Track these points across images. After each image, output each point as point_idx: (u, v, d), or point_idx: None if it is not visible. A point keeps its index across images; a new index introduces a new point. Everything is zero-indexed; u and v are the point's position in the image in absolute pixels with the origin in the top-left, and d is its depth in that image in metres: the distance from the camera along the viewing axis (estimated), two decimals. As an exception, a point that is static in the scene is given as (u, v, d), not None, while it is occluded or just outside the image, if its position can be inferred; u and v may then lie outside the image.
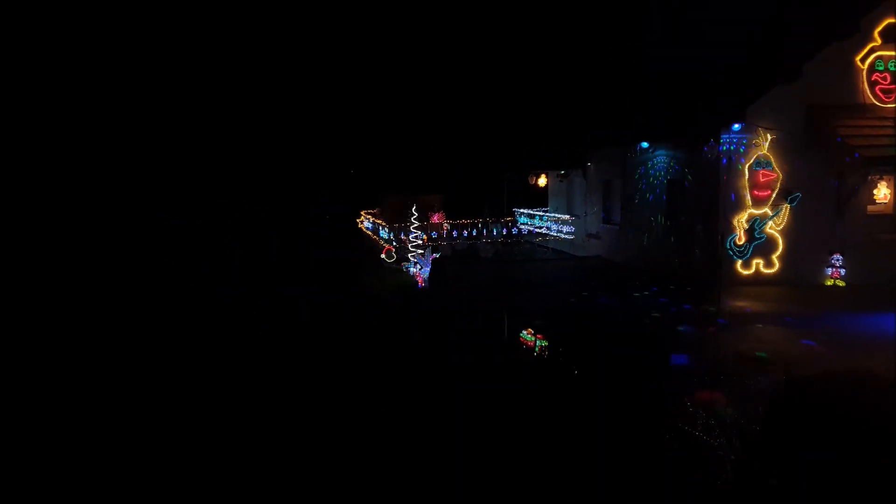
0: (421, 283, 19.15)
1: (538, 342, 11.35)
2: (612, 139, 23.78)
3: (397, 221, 26.20)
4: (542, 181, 31.66)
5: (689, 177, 19.86)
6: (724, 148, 18.07)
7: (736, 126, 17.78)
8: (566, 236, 26.28)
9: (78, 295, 14.83)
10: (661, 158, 21.28)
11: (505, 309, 13.70)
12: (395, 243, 24.90)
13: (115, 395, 9.69)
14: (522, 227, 27.96)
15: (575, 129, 26.81)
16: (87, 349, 12.01)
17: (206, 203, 35.59)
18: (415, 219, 21.79)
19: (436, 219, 28.84)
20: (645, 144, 21.54)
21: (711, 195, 18.67)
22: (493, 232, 26.14)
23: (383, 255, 24.43)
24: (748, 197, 18.31)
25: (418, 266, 20.85)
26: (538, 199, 31.77)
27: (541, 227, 27.56)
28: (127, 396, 9.69)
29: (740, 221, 18.48)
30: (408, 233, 25.32)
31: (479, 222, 26.05)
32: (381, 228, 26.32)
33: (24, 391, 9.57)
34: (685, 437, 7.67)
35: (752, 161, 18.22)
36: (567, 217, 26.46)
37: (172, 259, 19.56)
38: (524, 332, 11.88)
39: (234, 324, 13.84)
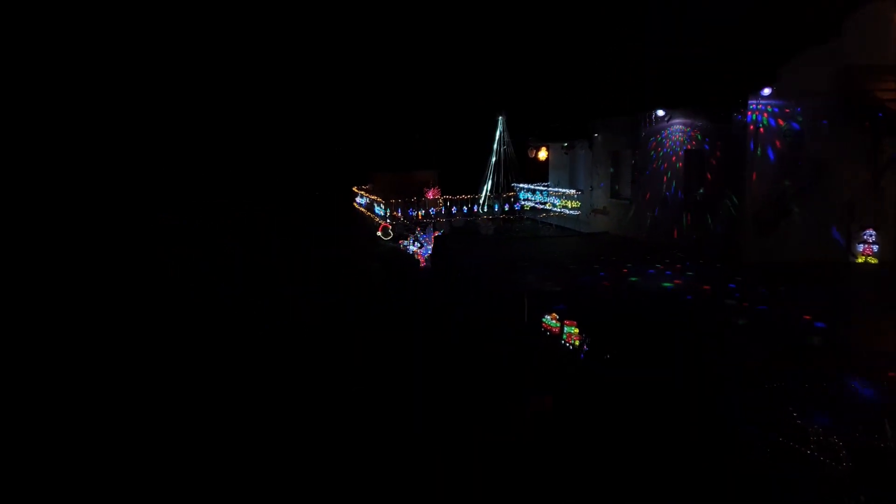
0: (423, 263, 17.66)
1: (568, 331, 9.85)
2: (623, 107, 22.25)
3: (391, 198, 24.65)
4: (543, 154, 30.14)
5: (711, 147, 18.41)
6: (752, 115, 16.63)
7: (765, 90, 16.34)
8: (571, 212, 24.83)
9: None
10: (678, 127, 19.81)
11: (521, 291, 12.30)
12: (391, 220, 23.35)
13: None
14: (524, 202, 26.43)
15: (581, 96, 25.21)
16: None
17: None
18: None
19: (431, 195, 27.30)
20: (661, 112, 20.03)
21: (737, 166, 17.28)
22: (494, 208, 24.59)
23: (379, 233, 22.88)
24: (776, 168, 16.94)
25: (418, 244, 19.36)
26: (539, 173, 30.24)
27: (543, 203, 26.05)
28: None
29: (767, 194, 17.14)
30: (406, 209, 23.81)
31: (478, 198, 24.48)
32: (376, 205, 24.71)
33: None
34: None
35: (781, 128, 16.82)
36: (572, 192, 24.99)
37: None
38: (548, 317, 10.43)
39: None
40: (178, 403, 8.67)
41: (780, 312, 12.19)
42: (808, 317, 11.81)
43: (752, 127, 16.78)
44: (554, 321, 10.23)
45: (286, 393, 8.94)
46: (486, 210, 24.48)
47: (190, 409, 8.50)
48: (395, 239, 22.33)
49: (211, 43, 45.20)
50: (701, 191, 18.91)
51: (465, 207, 24.25)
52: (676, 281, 15.17)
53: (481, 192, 25.30)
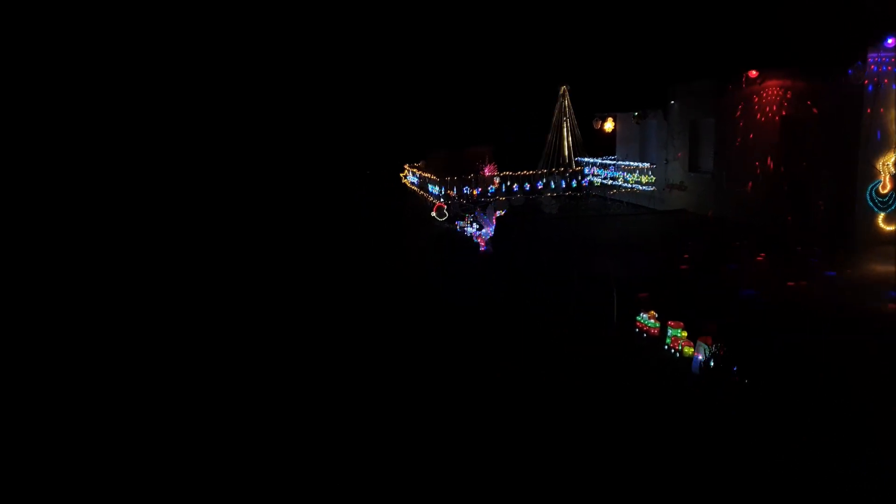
0: (483, 247, 15.93)
1: (673, 334, 7.83)
2: (706, 69, 19.82)
3: (446, 175, 22.93)
4: (609, 126, 27.83)
5: (815, 111, 15.94)
6: (872, 71, 14.13)
7: (890, 40, 13.81)
8: (644, 188, 22.59)
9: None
10: (773, 91, 17.34)
11: (603, 281, 10.43)
12: (446, 199, 21.66)
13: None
14: (591, 178, 24.27)
15: (655, 60, 22.78)
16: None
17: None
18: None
19: (487, 171, 25.47)
20: (754, 73, 17.56)
21: (848, 133, 14.83)
22: (560, 184, 22.57)
23: (433, 213, 21.25)
24: (900, 134, 14.46)
25: (477, 226, 17.62)
26: (605, 146, 27.96)
27: (613, 178, 23.86)
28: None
29: (886, 165, 14.67)
30: (462, 187, 22.10)
31: (542, 173, 22.48)
32: (429, 183, 23.05)
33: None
34: None
35: (907, 86, 14.29)
36: (646, 166, 22.71)
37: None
38: (644, 315, 8.55)
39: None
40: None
41: None
42: None
43: (868, 84, 14.29)
44: (652, 320, 8.37)
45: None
46: (551, 187, 22.47)
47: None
48: (451, 219, 20.68)
49: (261, 16, 44.06)
50: (802, 163, 16.49)
51: (526, 184, 22.30)
52: (801, 281, 12.17)
53: (543, 168, 23.34)
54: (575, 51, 30.31)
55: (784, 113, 16.99)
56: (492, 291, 12.11)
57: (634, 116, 24.12)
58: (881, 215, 14.92)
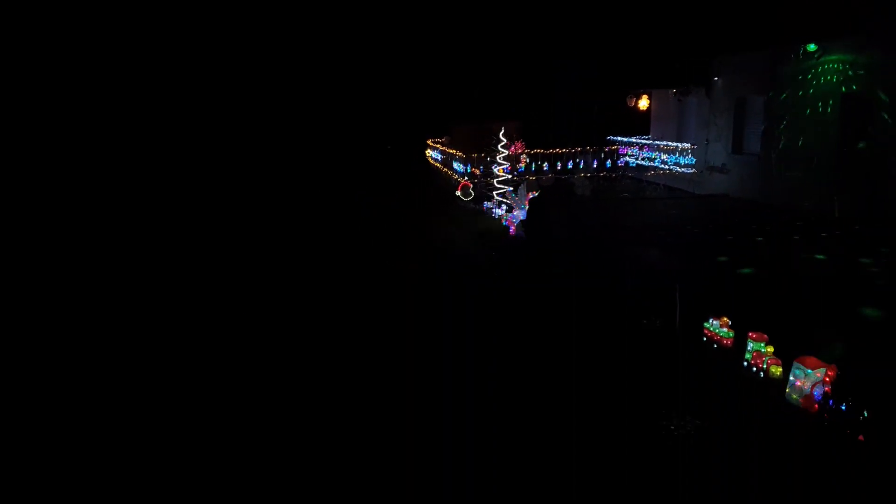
0: (514, 231, 14.76)
1: (755, 349, 6.49)
2: (756, 41, 18.29)
3: (471, 151, 21.70)
4: (644, 103, 26.35)
5: (883, 89, 14.47)
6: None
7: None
8: (683, 170, 21.22)
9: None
10: (833, 65, 15.85)
11: (656, 277, 9.27)
12: (472, 179, 20.47)
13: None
14: (626, 158, 22.89)
15: (696, 30, 21.19)
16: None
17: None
18: (501, 146, 17.22)
19: (514, 149, 24.18)
20: (812, 47, 16.06)
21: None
22: (591, 164, 21.25)
23: (458, 192, 20.08)
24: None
25: (506, 207, 16.46)
26: (640, 125, 26.52)
27: (650, 159, 22.48)
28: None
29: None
30: (491, 165, 20.85)
31: (576, 151, 21.16)
32: (454, 160, 21.84)
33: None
34: None
35: None
36: (687, 146, 21.31)
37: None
38: (714, 322, 7.36)
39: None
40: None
41: None
42: None
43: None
44: (724, 329, 7.20)
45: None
46: (581, 167, 21.16)
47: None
48: (478, 199, 19.51)
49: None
50: (869, 144, 15.08)
51: (558, 163, 21.01)
52: None
53: (573, 147, 21.98)
54: (609, 21, 28.60)
55: (845, 89, 15.53)
56: (523, 282, 10.98)
57: (674, 93, 22.59)
58: (956, 205, 13.56)
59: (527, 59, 36.04)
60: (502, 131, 17.19)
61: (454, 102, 36.60)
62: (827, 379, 5.47)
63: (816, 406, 5.42)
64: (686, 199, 20.25)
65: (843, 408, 5.21)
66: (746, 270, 11.10)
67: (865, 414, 5.02)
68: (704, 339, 7.35)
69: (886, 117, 14.42)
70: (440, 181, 25.10)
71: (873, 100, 14.83)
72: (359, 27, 43.50)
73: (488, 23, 37.72)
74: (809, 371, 5.52)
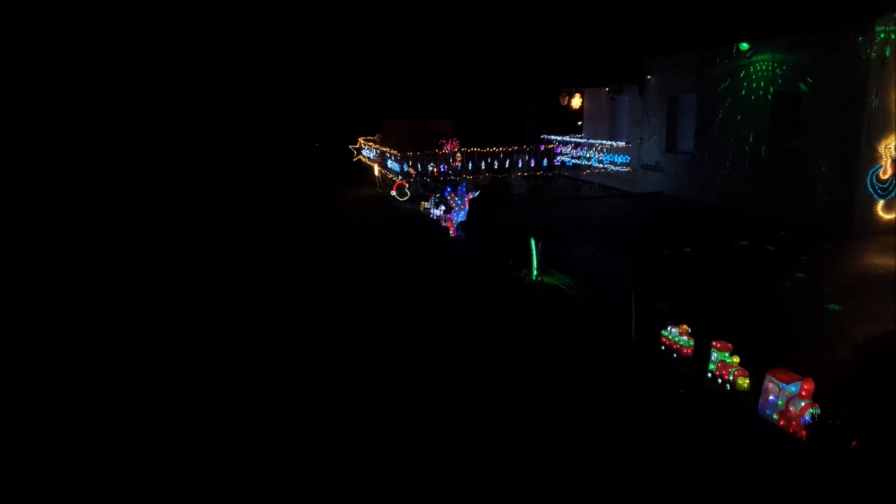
0: (454, 233, 14.19)
1: (720, 359, 6.14)
2: (688, 41, 18.45)
3: (407, 150, 21.01)
4: (577, 102, 26.40)
5: (811, 87, 14.76)
6: (877, 40, 12.95)
7: (905, 10, 12.65)
8: (618, 168, 21.26)
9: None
10: (763, 64, 16.10)
11: (604, 278, 8.91)
12: (407, 177, 19.77)
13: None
14: (563, 158, 22.74)
15: (629, 30, 21.28)
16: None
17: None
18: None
19: (448, 147, 23.68)
20: (745, 45, 16.26)
21: (849, 111, 13.70)
22: (529, 163, 20.95)
23: (394, 192, 19.37)
24: (907, 113, 13.40)
25: (444, 208, 15.87)
26: (572, 124, 26.55)
27: (584, 158, 22.42)
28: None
29: (888, 148, 13.63)
30: (425, 163, 20.24)
31: (512, 150, 20.81)
32: (389, 158, 21.10)
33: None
34: None
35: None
36: (621, 145, 21.36)
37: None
38: (673, 330, 6.98)
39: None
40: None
41: None
42: None
43: (874, 54, 13.10)
44: (684, 337, 6.84)
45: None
46: (519, 166, 20.83)
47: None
48: (414, 199, 18.86)
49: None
50: (795, 143, 15.38)
51: (494, 161, 20.60)
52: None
53: (510, 146, 21.63)
54: (542, 21, 28.53)
55: (776, 88, 15.80)
56: (473, 293, 10.45)
57: (608, 91, 22.60)
58: (880, 203, 13.95)
59: (459, 54, 35.60)
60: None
61: (384, 97, 35.71)
62: (804, 393, 5.14)
63: (805, 433, 5.02)
64: (622, 197, 20.29)
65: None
66: (691, 268, 10.96)
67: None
68: (663, 347, 6.98)
69: (815, 115, 14.72)
70: (370, 179, 24.33)
71: (803, 98, 15.13)
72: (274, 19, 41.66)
73: (420, 16, 37.04)
74: (783, 385, 5.18)
